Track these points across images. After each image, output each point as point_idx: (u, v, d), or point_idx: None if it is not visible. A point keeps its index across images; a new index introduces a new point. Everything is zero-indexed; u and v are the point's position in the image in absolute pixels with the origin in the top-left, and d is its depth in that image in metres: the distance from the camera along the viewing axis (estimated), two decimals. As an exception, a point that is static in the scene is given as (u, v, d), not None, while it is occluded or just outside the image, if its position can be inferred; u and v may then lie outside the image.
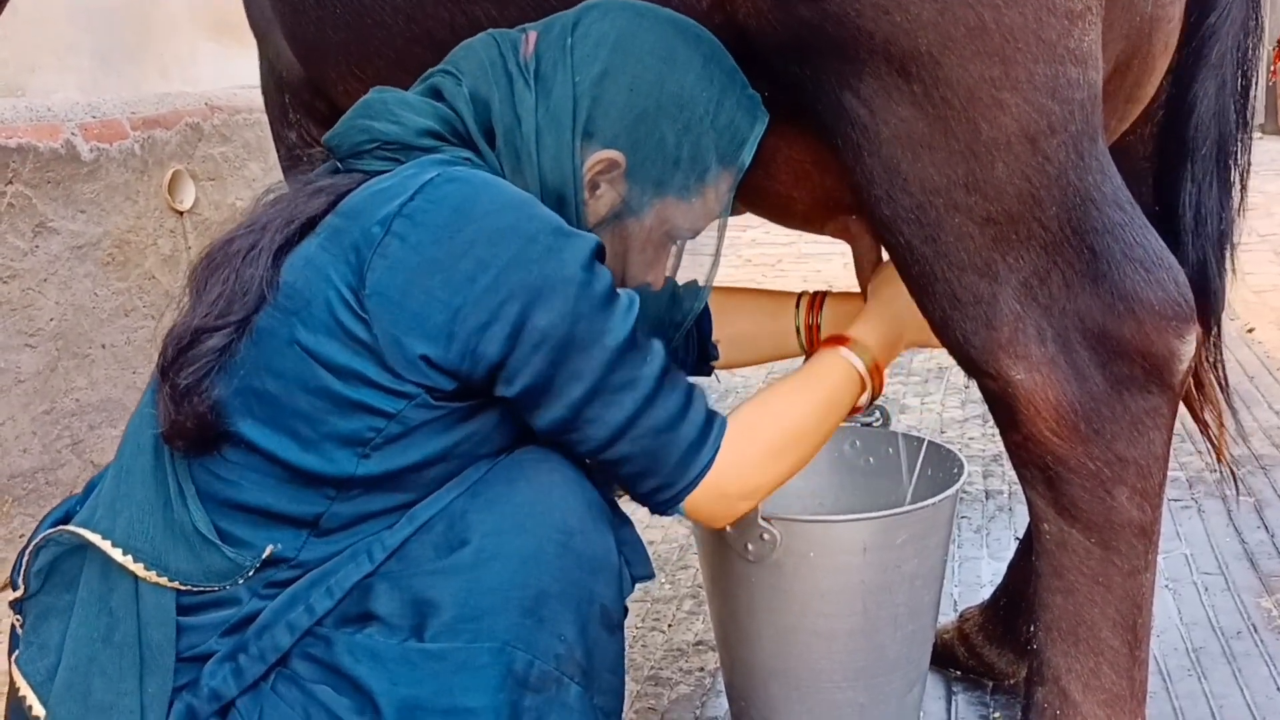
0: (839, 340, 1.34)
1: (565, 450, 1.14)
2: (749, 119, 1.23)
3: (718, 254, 1.34)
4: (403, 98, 1.20)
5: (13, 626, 1.20)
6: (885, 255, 1.43)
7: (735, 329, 1.58)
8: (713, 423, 1.17)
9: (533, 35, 1.21)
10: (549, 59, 1.18)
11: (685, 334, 1.46)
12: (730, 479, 1.18)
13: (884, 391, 1.39)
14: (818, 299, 1.56)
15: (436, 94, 1.21)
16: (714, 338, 1.57)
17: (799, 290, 1.60)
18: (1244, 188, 1.43)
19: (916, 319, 1.31)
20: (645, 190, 1.21)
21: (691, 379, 1.21)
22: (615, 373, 1.10)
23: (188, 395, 1.08)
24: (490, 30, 1.23)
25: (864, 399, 1.34)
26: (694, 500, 1.17)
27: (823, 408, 1.28)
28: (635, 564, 1.18)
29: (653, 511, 1.20)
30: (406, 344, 1.06)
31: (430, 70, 1.23)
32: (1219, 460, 1.59)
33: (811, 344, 1.56)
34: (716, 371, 1.63)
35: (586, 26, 1.19)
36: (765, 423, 1.23)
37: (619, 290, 1.13)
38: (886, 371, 1.38)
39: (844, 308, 1.54)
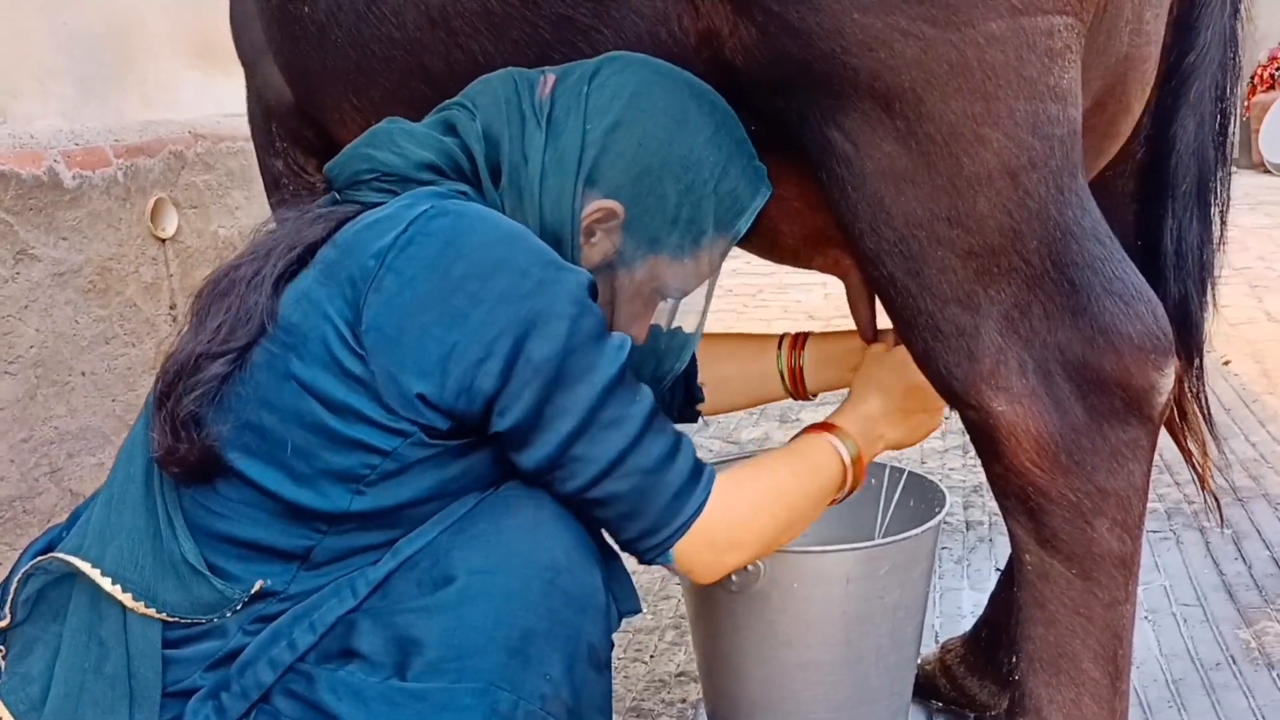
0: (825, 427, 1.34)
1: (553, 490, 1.13)
2: (751, 190, 1.24)
3: (704, 314, 1.35)
4: (408, 129, 1.21)
5: None
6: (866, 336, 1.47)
7: (719, 372, 1.58)
8: (701, 470, 1.17)
9: (551, 78, 1.22)
10: (563, 103, 1.19)
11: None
12: (720, 528, 1.17)
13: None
14: (799, 340, 1.57)
15: (450, 127, 1.21)
16: (699, 381, 1.57)
17: (780, 328, 1.60)
18: (1224, 223, 1.45)
19: (895, 425, 1.35)
20: (640, 244, 1.22)
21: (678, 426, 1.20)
22: (604, 410, 1.10)
23: (185, 424, 1.08)
24: (510, 69, 1.25)
25: (842, 493, 1.33)
26: (683, 548, 1.16)
27: (808, 479, 1.27)
28: (623, 599, 1.18)
29: (641, 559, 1.18)
30: (403, 382, 1.06)
31: (447, 101, 1.24)
32: (1203, 489, 1.60)
33: (795, 386, 1.57)
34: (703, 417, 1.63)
35: (605, 77, 1.20)
36: (753, 479, 1.23)
37: (611, 332, 1.13)
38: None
39: (826, 349, 1.54)
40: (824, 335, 1.57)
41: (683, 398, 1.56)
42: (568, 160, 1.17)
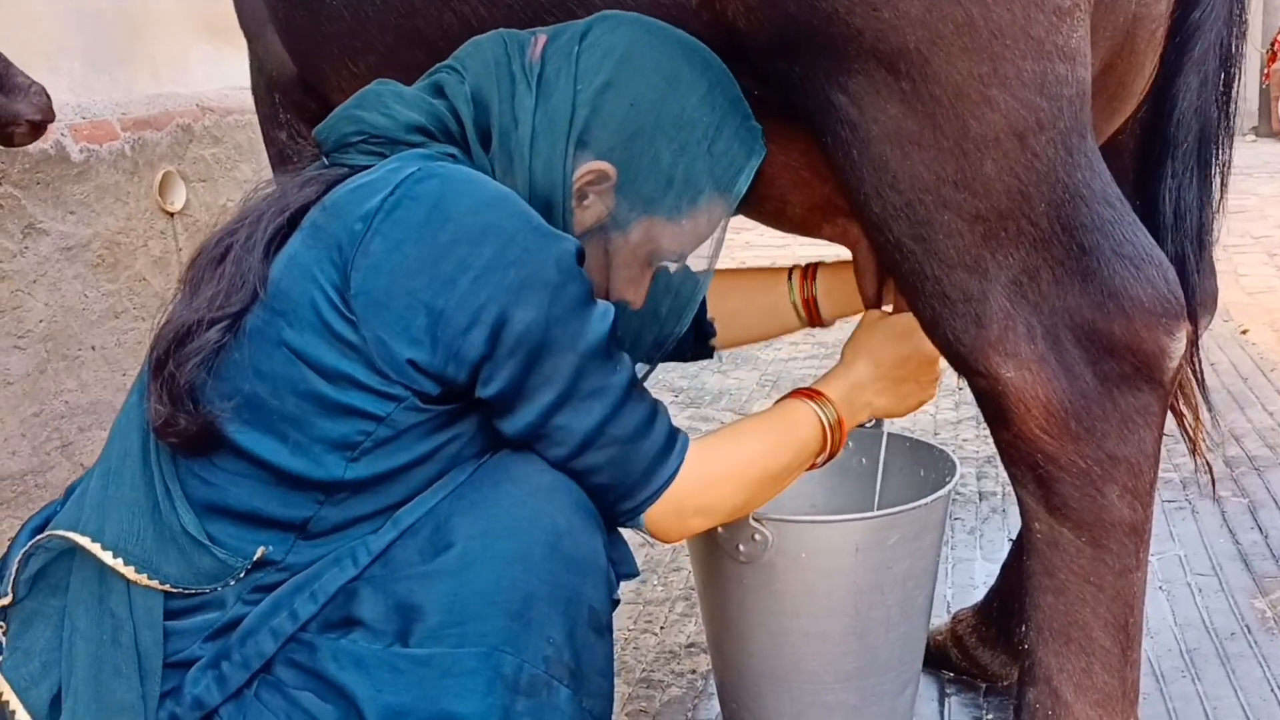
0: (808, 393, 1.34)
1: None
2: (746, 150, 1.23)
3: (709, 275, 1.34)
4: (397, 91, 1.20)
5: None
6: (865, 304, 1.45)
7: (728, 306, 1.58)
8: (675, 438, 1.18)
9: (542, 39, 1.20)
10: (554, 64, 1.18)
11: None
12: (688, 494, 1.18)
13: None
14: (809, 270, 1.56)
15: (439, 90, 1.20)
16: (709, 315, 1.57)
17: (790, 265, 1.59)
18: (1224, 185, 1.42)
19: (882, 394, 1.35)
20: (634, 206, 1.21)
21: (683, 369, 1.20)
22: (586, 379, 1.10)
23: (183, 393, 1.07)
24: (501, 30, 1.23)
25: (821, 458, 1.33)
26: (653, 513, 1.17)
27: (781, 445, 1.28)
28: (620, 562, 1.18)
29: (614, 524, 1.19)
30: (394, 348, 1.05)
31: (438, 65, 1.23)
32: (1194, 455, 1.58)
33: (811, 316, 1.56)
34: (719, 352, 1.63)
35: (596, 37, 1.19)
36: (725, 447, 1.24)
37: (596, 299, 1.12)
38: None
39: (838, 275, 1.53)
40: (834, 265, 1.56)
41: (693, 335, 1.56)
42: (558, 122, 1.16)
